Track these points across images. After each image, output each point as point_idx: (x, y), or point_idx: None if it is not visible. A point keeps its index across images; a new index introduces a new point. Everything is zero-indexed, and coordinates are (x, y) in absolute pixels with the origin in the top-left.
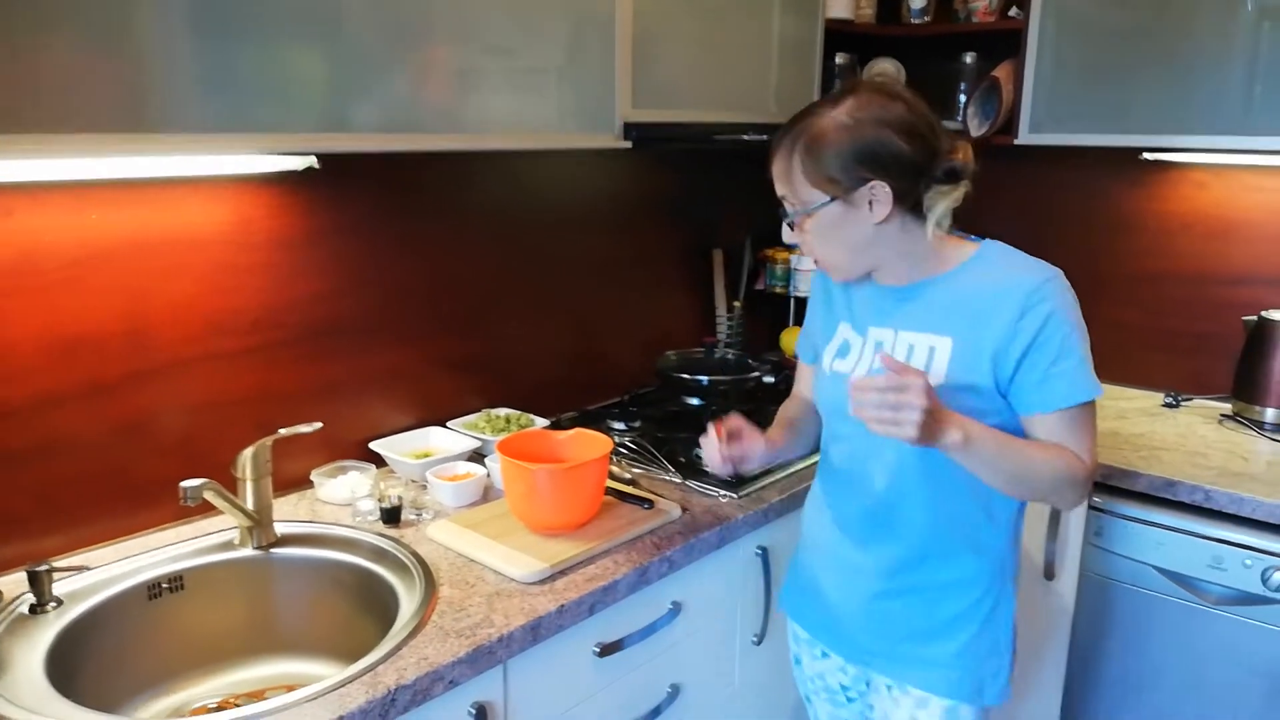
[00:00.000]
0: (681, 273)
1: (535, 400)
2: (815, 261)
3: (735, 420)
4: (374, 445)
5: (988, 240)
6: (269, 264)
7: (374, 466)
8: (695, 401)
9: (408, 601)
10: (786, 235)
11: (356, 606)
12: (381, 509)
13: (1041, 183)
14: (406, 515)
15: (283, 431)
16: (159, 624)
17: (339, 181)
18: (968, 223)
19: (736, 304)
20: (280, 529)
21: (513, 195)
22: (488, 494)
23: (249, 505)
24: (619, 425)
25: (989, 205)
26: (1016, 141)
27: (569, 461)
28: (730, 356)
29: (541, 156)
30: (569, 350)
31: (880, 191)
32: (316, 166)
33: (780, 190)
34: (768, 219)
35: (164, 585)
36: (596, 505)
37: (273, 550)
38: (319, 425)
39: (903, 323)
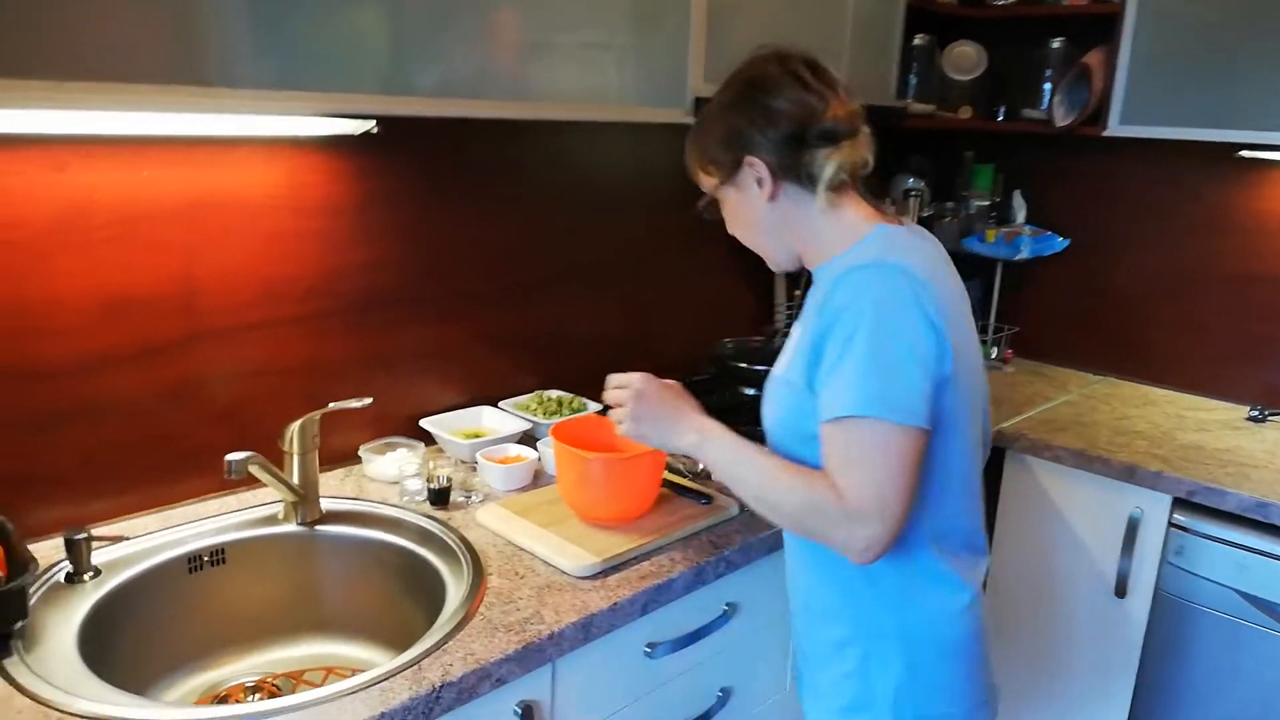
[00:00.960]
0: (741, 256)
1: (586, 382)
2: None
3: None
4: (424, 423)
5: (881, 225)
6: (322, 230)
7: (423, 444)
8: (752, 392)
9: (455, 589)
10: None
11: (400, 589)
12: (429, 489)
13: (1129, 177)
14: (455, 497)
15: (332, 405)
16: (198, 598)
17: (394, 148)
18: (1045, 214)
19: (797, 293)
20: (325, 505)
21: (570, 169)
22: (538, 478)
23: (294, 480)
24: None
25: (1070, 198)
26: (1105, 133)
27: (626, 451)
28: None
29: (603, 130)
30: (622, 332)
31: (758, 168)
32: (375, 131)
33: (697, 179)
34: None
35: (205, 558)
36: (652, 498)
37: (317, 527)
38: (369, 400)
39: (803, 311)
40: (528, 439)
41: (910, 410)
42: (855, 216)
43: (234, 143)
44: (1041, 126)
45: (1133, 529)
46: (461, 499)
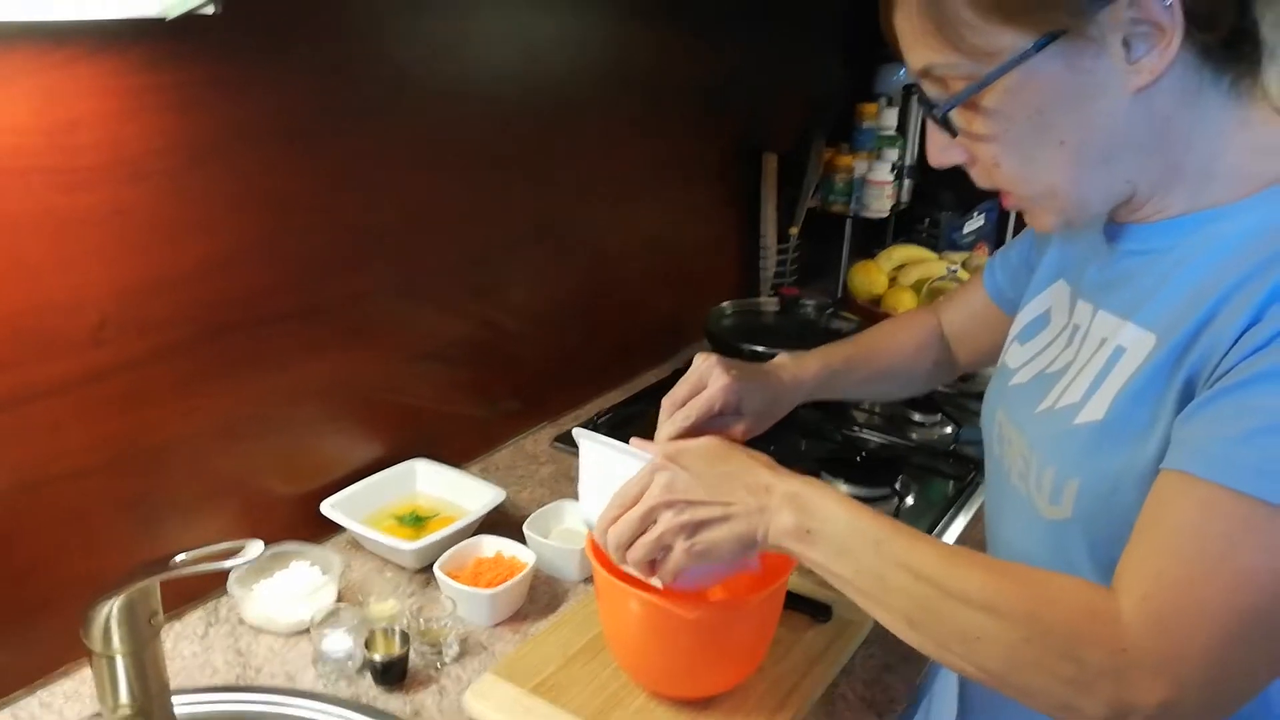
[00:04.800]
0: (725, 187)
1: (550, 392)
2: (1002, 197)
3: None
4: (328, 508)
5: None
6: (118, 208)
7: (333, 554)
8: None
9: None
10: (938, 149)
11: None
12: (374, 664)
13: None
14: (414, 658)
15: (182, 559)
16: None
17: (239, 46)
18: None
19: (794, 231)
20: (185, 710)
21: (504, 76)
22: (533, 590)
23: (122, 699)
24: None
25: None
26: None
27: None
28: (810, 311)
29: (550, 9)
30: (585, 312)
31: (1154, 6)
32: (212, 11)
33: (918, 55)
34: (849, 106)
35: None
36: (766, 647)
37: None
38: (259, 547)
39: (1111, 294)
40: (503, 517)
41: None
42: (1273, 134)
43: None
44: None
45: None
46: (424, 658)
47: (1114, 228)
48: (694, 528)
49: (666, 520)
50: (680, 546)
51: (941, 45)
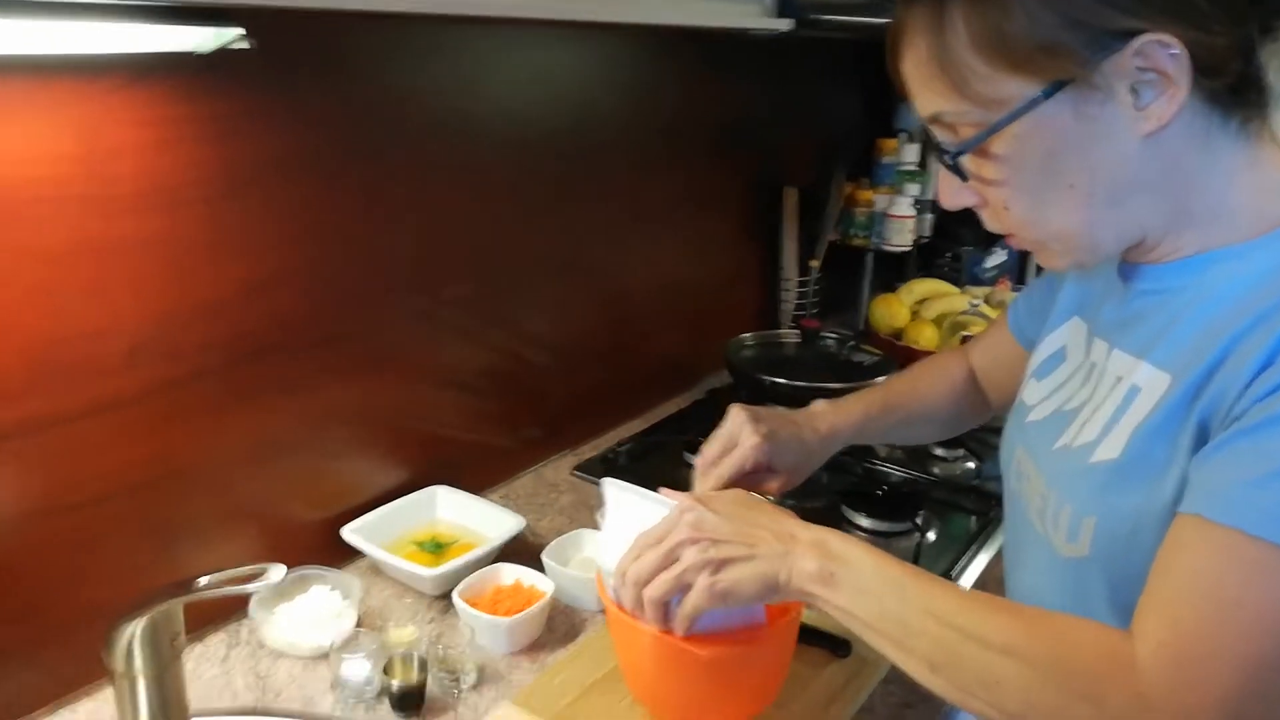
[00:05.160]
0: (746, 221)
1: (570, 421)
2: (1007, 237)
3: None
4: (349, 533)
5: None
6: (155, 237)
7: (353, 577)
8: None
9: None
10: (950, 192)
11: None
12: (391, 688)
13: None
14: (432, 686)
15: (206, 582)
16: None
17: (262, 80)
18: None
19: (814, 264)
20: None
21: (526, 112)
22: (551, 619)
23: (143, 718)
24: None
25: None
26: None
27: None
28: (831, 344)
29: (572, 48)
30: (606, 342)
31: (1161, 56)
32: (246, 46)
33: (927, 101)
34: (870, 141)
35: None
36: (782, 680)
37: None
38: (281, 571)
39: (1126, 332)
40: (523, 545)
41: None
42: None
43: None
44: None
45: None
46: (442, 685)
47: (1128, 267)
48: (718, 565)
49: (690, 556)
50: (702, 584)
51: (949, 92)
